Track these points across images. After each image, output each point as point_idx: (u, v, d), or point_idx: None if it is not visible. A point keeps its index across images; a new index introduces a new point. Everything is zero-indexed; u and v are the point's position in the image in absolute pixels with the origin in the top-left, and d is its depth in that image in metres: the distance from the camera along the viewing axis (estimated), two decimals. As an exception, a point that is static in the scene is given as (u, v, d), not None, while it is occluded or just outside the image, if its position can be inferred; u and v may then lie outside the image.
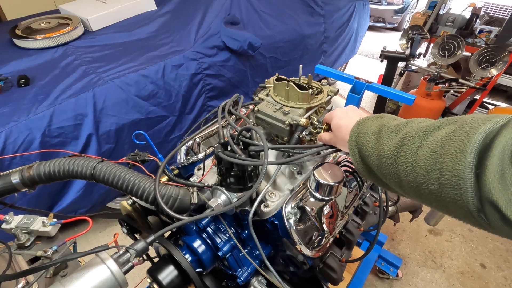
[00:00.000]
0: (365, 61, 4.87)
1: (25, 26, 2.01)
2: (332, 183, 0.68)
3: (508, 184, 0.33)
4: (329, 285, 0.94)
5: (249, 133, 0.76)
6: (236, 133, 0.75)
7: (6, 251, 0.51)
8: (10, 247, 0.50)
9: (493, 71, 2.39)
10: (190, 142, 0.93)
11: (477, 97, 2.92)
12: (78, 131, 1.62)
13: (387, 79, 2.61)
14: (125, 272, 0.47)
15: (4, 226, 0.57)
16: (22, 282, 0.44)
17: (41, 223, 0.58)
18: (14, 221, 0.58)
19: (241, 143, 0.74)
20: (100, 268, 0.44)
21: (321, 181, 0.68)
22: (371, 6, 5.18)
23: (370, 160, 0.53)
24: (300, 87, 0.86)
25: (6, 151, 1.41)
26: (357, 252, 1.60)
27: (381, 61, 2.53)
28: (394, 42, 4.87)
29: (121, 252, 0.49)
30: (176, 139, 2.07)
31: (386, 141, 0.50)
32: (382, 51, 2.48)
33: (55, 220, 0.59)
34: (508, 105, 3.32)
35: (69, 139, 1.60)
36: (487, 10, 3.85)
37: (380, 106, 2.73)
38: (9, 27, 2.04)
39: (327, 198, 0.71)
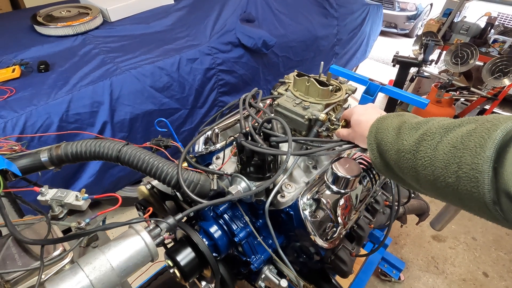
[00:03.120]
0: (376, 66, 4.86)
1: (46, 14, 2.05)
2: (349, 177, 0.70)
3: None
4: (336, 278, 0.96)
5: (269, 125, 0.78)
6: (256, 124, 0.78)
7: (43, 220, 0.54)
8: (48, 217, 0.53)
9: (506, 81, 2.39)
10: (209, 132, 0.96)
11: (487, 106, 2.91)
12: (94, 118, 1.65)
13: (398, 83, 2.63)
14: (157, 245, 0.49)
15: (39, 197, 0.60)
16: (60, 249, 0.47)
17: (74, 197, 0.61)
18: (49, 193, 0.61)
19: (261, 134, 0.77)
20: (135, 239, 0.47)
21: (339, 174, 0.70)
22: (384, 11, 5.17)
23: (388, 154, 0.55)
24: (320, 83, 0.88)
25: (25, 134, 1.45)
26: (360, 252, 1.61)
27: (394, 65, 2.54)
28: (405, 48, 4.86)
29: (151, 226, 0.52)
30: (186, 132, 2.10)
31: (406, 137, 0.51)
32: (394, 55, 2.50)
33: (86, 195, 0.61)
34: (518, 116, 3.30)
35: (85, 125, 1.64)
36: (502, 20, 3.83)
37: (390, 110, 2.73)
38: (29, 14, 2.09)
39: (343, 191, 0.74)
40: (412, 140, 0.50)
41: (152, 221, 0.51)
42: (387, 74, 4.18)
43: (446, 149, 0.44)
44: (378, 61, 5.03)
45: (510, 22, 3.81)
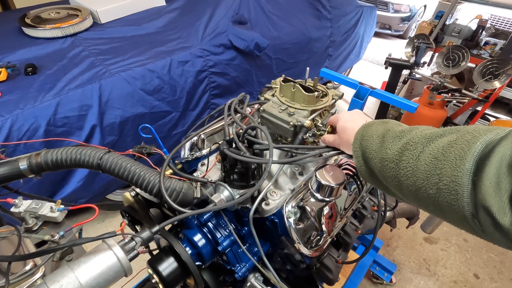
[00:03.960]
0: (370, 67, 4.88)
1: (35, 15, 2.02)
2: (333, 185, 0.70)
3: (502, 192, 0.34)
4: (324, 285, 0.96)
5: (254, 131, 0.77)
6: (241, 131, 0.77)
7: (15, 233, 0.52)
8: (19, 230, 0.52)
9: (496, 84, 2.41)
10: (195, 138, 0.95)
11: (479, 108, 2.93)
12: (83, 122, 1.63)
13: (390, 86, 2.63)
14: (131, 259, 0.48)
15: (13, 209, 0.59)
16: (30, 264, 0.46)
17: (49, 209, 0.59)
18: (23, 205, 0.60)
19: (245, 141, 0.76)
20: (107, 254, 0.45)
21: (323, 182, 0.69)
22: (378, 12, 5.19)
23: (372, 162, 0.54)
24: (306, 89, 0.88)
25: (11, 138, 1.43)
26: (352, 255, 1.61)
27: (386, 68, 2.55)
28: (399, 49, 4.89)
29: (126, 240, 0.51)
30: (178, 134, 2.09)
31: (389, 145, 0.51)
32: (387, 58, 2.50)
33: (62, 206, 0.60)
34: (509, 118, 3.33)
35: (74, 129, 1.61)
36: (493, 22, 3.87)
37: (383, 112, 2.75)
38: (18, 15, 2.06)
39: (327, 199, 0.73)
40: (395, 149, 0.50)
41: (127, 234, 0.50)
42: (381, 75, 4.20)
43: (428, 160, 0.44)
44: (373, 62, 5.05)
45: (501, 25, 3.85)
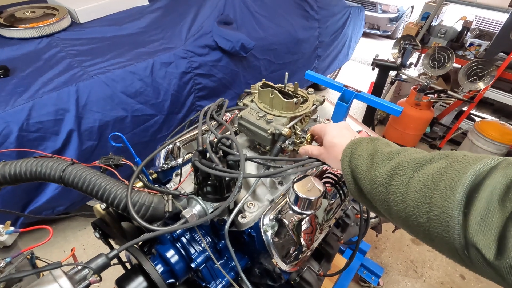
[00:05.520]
0: (359, 68, 4.90)
1: (9, 14, 1.93)
2: (312, 198, 0.66)
3: (491, 228, 0.34)
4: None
5: (229, 141, 0.73)
6: (216, 140, 0.73)
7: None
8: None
9: (481, 85, 2.43)
10: (170, 146, 0.90)
11: (464, 108, 2.96)
12: (59, 127, 1.56)
13: (378, 87, 2.63)
14: (81, 291, 0.44)
15: (-45, 233, 0.53)
16: (-34, 298, 0.41)
17: (-4, 231, 0.54)
18: (-34, 227, 0.54)
19: (220, 151, 0.72)
20: (52, 287, 0.41)
21: (300, 195, 0.66)
22: (366, 13, 5.22)
23: (362, 183, 0.53)
24: (285, 95, 0.84)
25: (-21, 145, 1.35)
26: (339, 260, 1.59)
27: (373, 69, 2.54)
28: (388, 49, 4.92)
29: (79, 267, 0.46)
30: (163, 138, 2.03)
31: (378, 167, 0.50)
32: (374, 59, 2.50)
33: (12, 228, 0.55)
34: (494, 118, 3.38)
35: (49, 134, 1.54)
36: (478, 24, 3.92)
37: (370, 113, 2.75)
38: (-8, 14, 1.96)
39: (306, 212, 0.69)
40: (384, 172, 0.49)
41: (75, 264, 0.45)
42: (369, 76, 4.20)
43: (418, 187, 0.43)
44: (361, 62, 5.07)
45: (486, 26, 3.91)
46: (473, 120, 3.16)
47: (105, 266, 0.48)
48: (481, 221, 0.35)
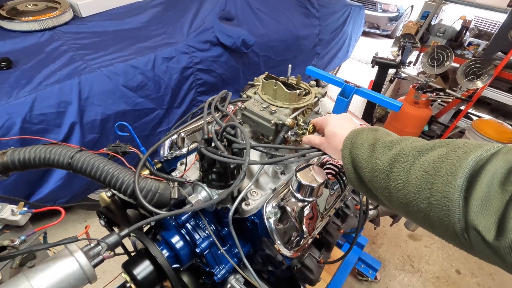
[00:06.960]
0: (358, 66, 4.93)
1: (11, 7, 1.93)
2: (314, 185, 0.68)
3: (491, 211, 0.35)
4: (307, 285, 0.95)
5: (234, 130, 0.75)
6: (221, 129, 0.75)
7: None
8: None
9: (479, 84, 2.46)
10: (175, 136, 0.92)
11: (462, 107, 3.00)
12: (61, 119, 1.57)
13: (377, 84, 2.66)
14: (95, 266, 0.45)
15: (-31, 213, 0.55)
16: (-16, 272, 0.43)
17: (10, 211, 0.55)
18: (-19, 208, 0.56)
19: (225, 140, 0.73)
20: (68, 261, 0.42)
21: (303, 182, 0.68)
22: (367, 12, 5.24)
23: (362, 171, 0.54)
24: (289, 86, 0.86)
25: (-18, 136, 1.36)
26: (337, 253, 1.62)
27: (372, 66, 2.57)
28: (387, 49, 4.95)
29: (92, 244, 0.48)
30: (163, 132, 2.04)
31: (379, 156, 0.51)
32: (373, 57, 2.52)
33: (25, 209, 0.56)
34: (491, 117, 3.42)
35: (51, 126, 1.55)
36: (477, 23, 3.96)
37: (369, 111, 2.77)
38: (-7, 7, 1.96)
39: (308, 199, 0.72)
40: (385, 160, 0.50)
41: (91, 239, 0.47)
42: (369, 74, 4.23)
43: (419, 173, 0.44)
44: (361, 61, 5.10)
45: (484, 26, 3.94)
46: (471, 119, 3.20)
47: (117, 243, 0.50)
48: (482, 204, 0.35)
